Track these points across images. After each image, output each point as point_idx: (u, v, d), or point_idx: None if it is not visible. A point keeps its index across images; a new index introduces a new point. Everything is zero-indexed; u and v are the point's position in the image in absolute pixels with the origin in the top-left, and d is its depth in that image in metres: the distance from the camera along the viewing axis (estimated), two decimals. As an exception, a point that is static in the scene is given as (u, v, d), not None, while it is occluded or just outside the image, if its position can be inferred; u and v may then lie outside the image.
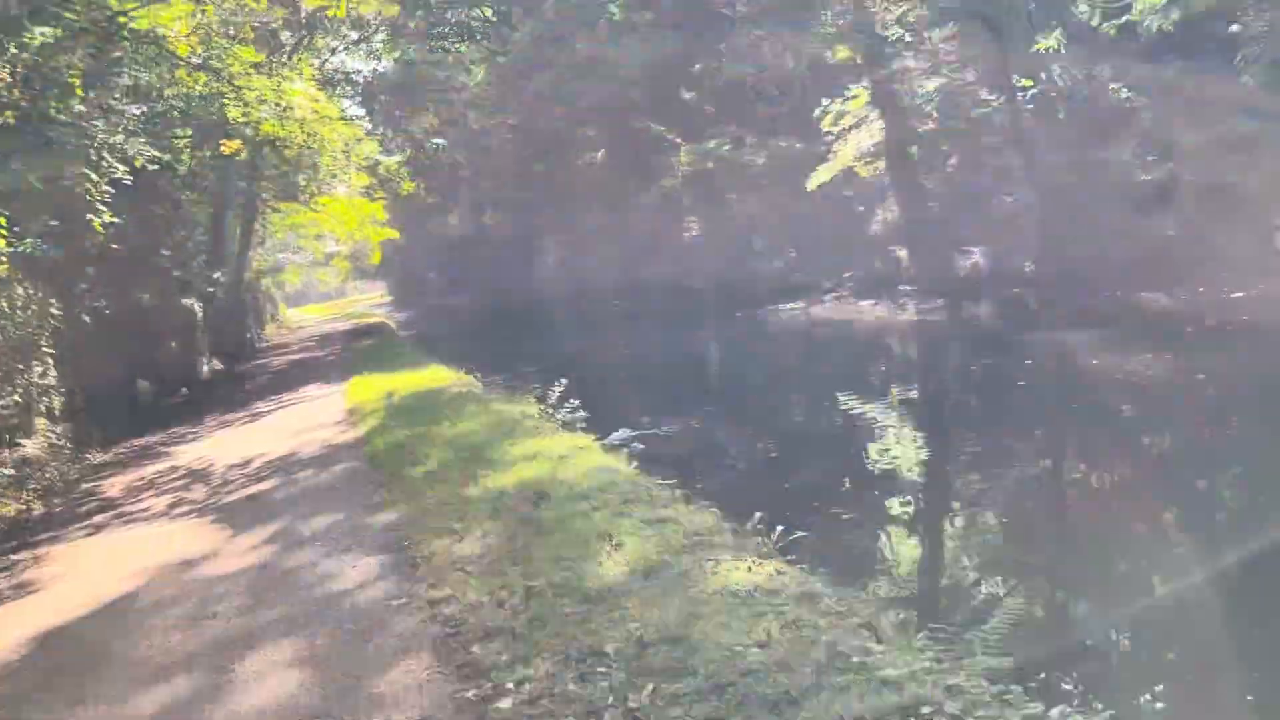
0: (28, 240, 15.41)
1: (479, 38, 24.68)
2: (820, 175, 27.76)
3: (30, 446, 13.58)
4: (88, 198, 15.45)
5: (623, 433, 11.13)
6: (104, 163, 14.67)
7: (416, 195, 63.97)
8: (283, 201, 28.60)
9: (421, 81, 30.50)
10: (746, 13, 33.51)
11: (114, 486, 11.68)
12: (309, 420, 14.44)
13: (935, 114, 26.26)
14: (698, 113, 41.64)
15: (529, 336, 33.80)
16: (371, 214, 41.50)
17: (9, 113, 13.14)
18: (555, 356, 25.63)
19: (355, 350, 27.25)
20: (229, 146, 18.91)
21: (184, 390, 24.02)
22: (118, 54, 15.34)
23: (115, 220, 16.03)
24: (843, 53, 27.78)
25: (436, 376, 17.01)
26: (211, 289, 31.38)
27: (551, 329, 36.03)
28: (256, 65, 17.87)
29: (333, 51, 34.21)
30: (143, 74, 15.71)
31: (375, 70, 33.71)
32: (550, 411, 12.26)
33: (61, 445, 14.27)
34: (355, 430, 12.59)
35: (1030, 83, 22.02)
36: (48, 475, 12.63)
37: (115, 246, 18.10)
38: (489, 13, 24.07)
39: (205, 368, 27.51)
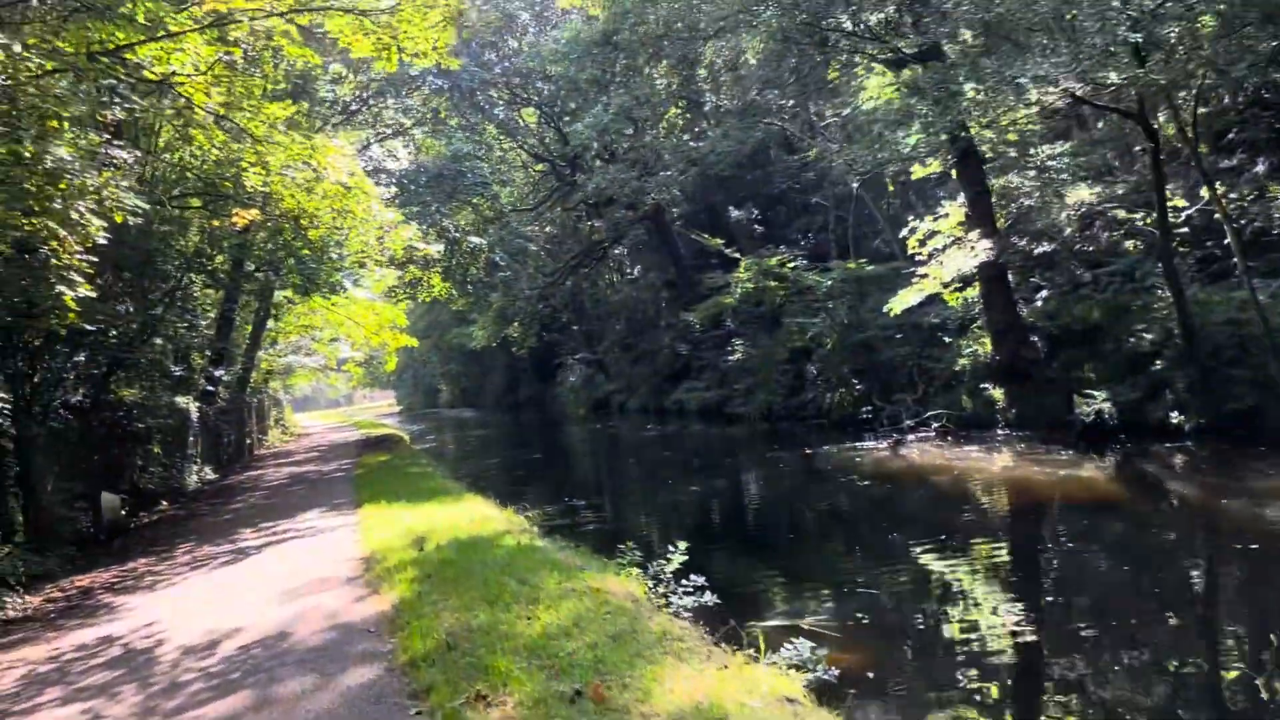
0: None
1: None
2: (904, 299, 24.27)
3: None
4: (54, 262, 11.91)
5: (802, 648, 7.05)
6: (76, 215, 11.11)
7: (437, 304, 61.11)
8: (300, 295, 24.96)
9: (463, 175, 27.33)
10: (819, 122, 30.85)
11: (1, 674, 7.59)
12: (310, 570, 10.39)
13: (1048, 235, 22.90)
14: (750, 228, 38.63)
15: (560, 461, 29.77)
16: (392, 319, 38.20)
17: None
18: (601, 488, 21.63)
19: (368, 466, 23.23)
20: (242, 218, 15.36)
21: (163, 504, 20.01)
22: (110, 81, 11.93)
23: (90, 294, 12.49)
24: (933, 165, 24.55)
25: (476, 513, 13.01)
26: (212, 388, 27.65)
27: (582, 454, 32.00)
28: (288, 122, 14.43)
29: (367, 144, 31.31)
30: (139, 107, 12.26)
31: (413, 161, 30.85)
32: (663, 591, 8.26)
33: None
34: (377, 600, 8.53)
35: (1184, 202, 18.73)
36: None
37: (90, 329, 14.39)
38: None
39: (194, 477, 23.54)
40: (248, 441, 33.03)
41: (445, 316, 66.02)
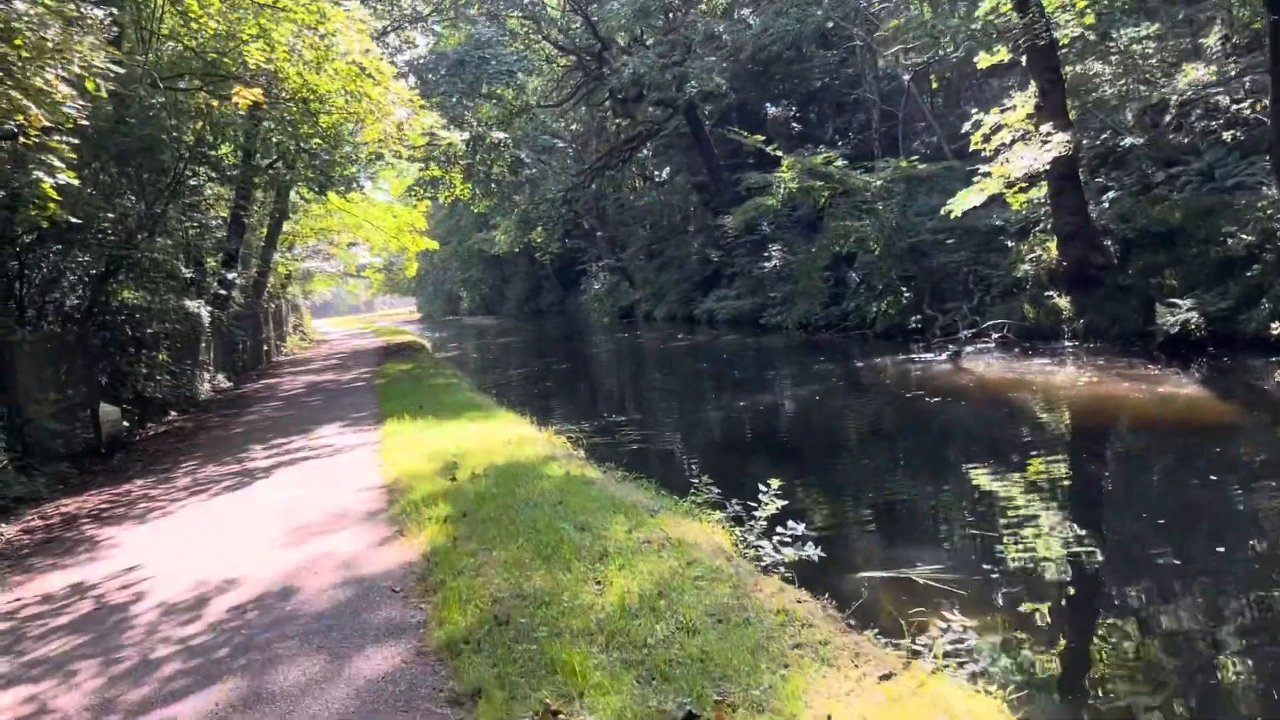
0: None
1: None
2: (964, 199, 22.16)
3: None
4: (24, 140, 10.18)
5: (977, 644, 5.37)
6: (41, 82, 9.30)
7: (458, 208, 58.98)
8: (315, 193, 23.10)
9: (487, 64, 25.06)
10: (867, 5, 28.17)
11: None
12: (324, 500, 8.84)
13: (1126, 129, 20.69)
14: (788, 126, 36.24)
15: (589, 372, 28.17)
16: (412, 222, 36.39)
17: None
18: (639, 402, 20.02)
19: (389, 376, 21.69)
20: (245, 98, 13.45)
21: (172, 415, 18.58)
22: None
23: (73, 182, 10.78)
24: (1000, 54, 22.20)
25: (511, 433, 11.40)
26: (225, 292, 26.04)
27: (612, 364, 30.38)
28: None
29: (383, 32, 28.98)
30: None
31: (432, 51, 28.53)
32: (752, 540, 6.64)
33: (-64, 513, 8.72)
34: (403, 545, 6.96)
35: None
36: None
37: (74, 220, 12.68)
38: None
39: (207, 384, 22.08)
40: (265, 348, 31.56)
41: (466, 221, 64.10)
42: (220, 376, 23.40)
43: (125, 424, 16.23)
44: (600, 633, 4.62)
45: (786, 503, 7.15)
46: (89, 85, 9.43)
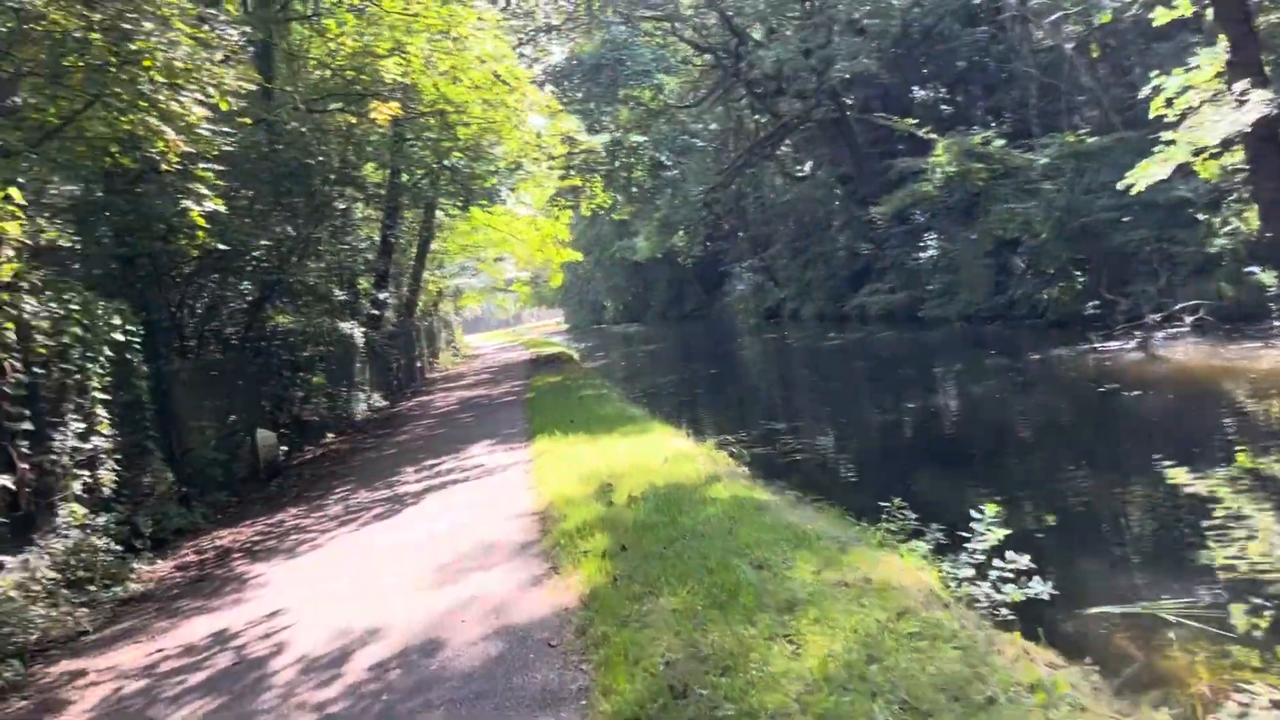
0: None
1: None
2: (1146, 171, 20.06)
3: (32, 555, 7.88)
4: (164, 167, 9.99)
5: None
6: (177, 106, 9.04)
7: (598, 218, 58.97)
8: (459, 208, 22.97)
9: (624, 66, 24.44)
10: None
11: (84, 684, 5.67)
12: (473, 529, 8.20)
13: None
14: (936, 109, 34.32)
15: (739, 376, 27.17)
16: (554, 234, 36.24)
17: None
18: (797, 408, 18.90)
19: (539, 388, 21.27)
20: (382, 113, 13.14)
21: (329, 436, 18.63)
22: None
23: (219, 209, 10.62)
24: (1182, 8, 20.05)
25: (667, 448, 10.56)
26: (378, 311, 26.31)
27: (762, 368, 29.27)
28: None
29: (518, 43, 28.80)
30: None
31: (568, 57, 28.19)
32: (961, 575, 5.56)
33: (94, 550, 8.53)
34: (558, 585, 6.19)
35: None
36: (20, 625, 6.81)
37: (223, 247, 12.59)
38: None
39: (363, 405, 22.20)
40: (418, 365, 31.92)
41: (607, 230, 64.06)
42: (376, 396, 23.55)
43: (283, 448, 16.27)
44: (803, 714, 3.67)
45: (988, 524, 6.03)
46: (222, 105, 9.10)
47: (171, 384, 12.62)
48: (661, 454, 9.89)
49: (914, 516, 6.71)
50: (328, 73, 15.51)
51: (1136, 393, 13.57)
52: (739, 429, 15.22)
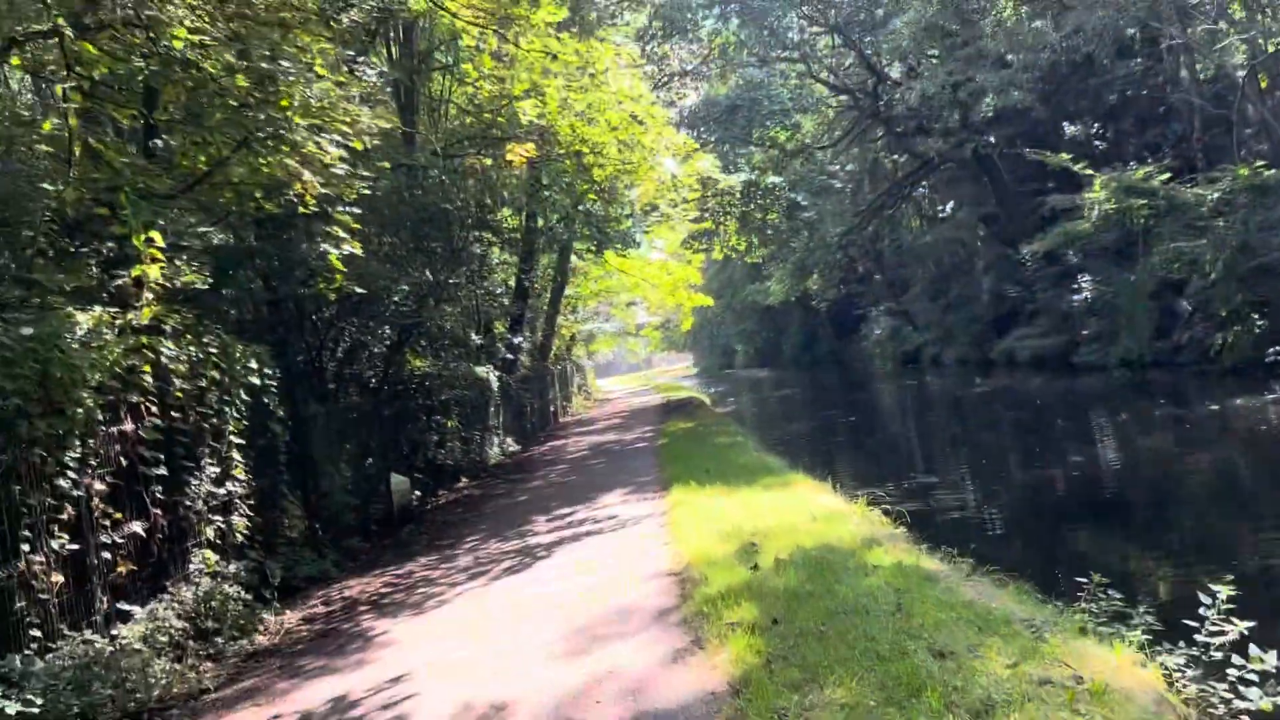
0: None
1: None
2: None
3: (161, 604, 7.68)
4: (300, 208, 9.90)
5: None
6: (314, 147, 8.93)
7: (730, 262, 58.47)
8: (593, 252, 22.81)
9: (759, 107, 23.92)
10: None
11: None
12: (607, 589, 7.62)
13: None
14: (1090, 145, 32.52)
15: (880, 424, 25.95)
16: (686, 278, 35.92)
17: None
18: (947, 459, 17.69)
19: (671, 434, 20.68)
20: (519, 155, 12.93)
21: (462, 481, 18.46)
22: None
23: (356, 251, 10.52)
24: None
25: (812, 503, 9.75)
26: (512, 356, 26.34)
27: (903, 416, 27.93)
28: (559, 27, 11.78)
29: (653, 87, 28.70)
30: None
31: (703, 98, 27.88)
32: (1191, 676, 4.60)
33: (224, 599, 8.31)
34: (703, 664, 5.51)
35: None
36: (141, 678, 6.53)
37: (359, 290, 12.50)
38: None
39: (496, 449, 22.07)
40: (551, 409, 31.86)
41: (738, 274, 63.52)
42: (509, 440, 23.42)
43: (416, 493, 16.13)
44: None
45: (1195, 604, 5.05)
46: (356, 144, 8.93)
47: (309, 428, 12.57)
48: (808, 510, 9.10)
49: (1116, 596, 5.73)
50: (467, 118, 15.49)
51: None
52: (885, 482, 14.23)
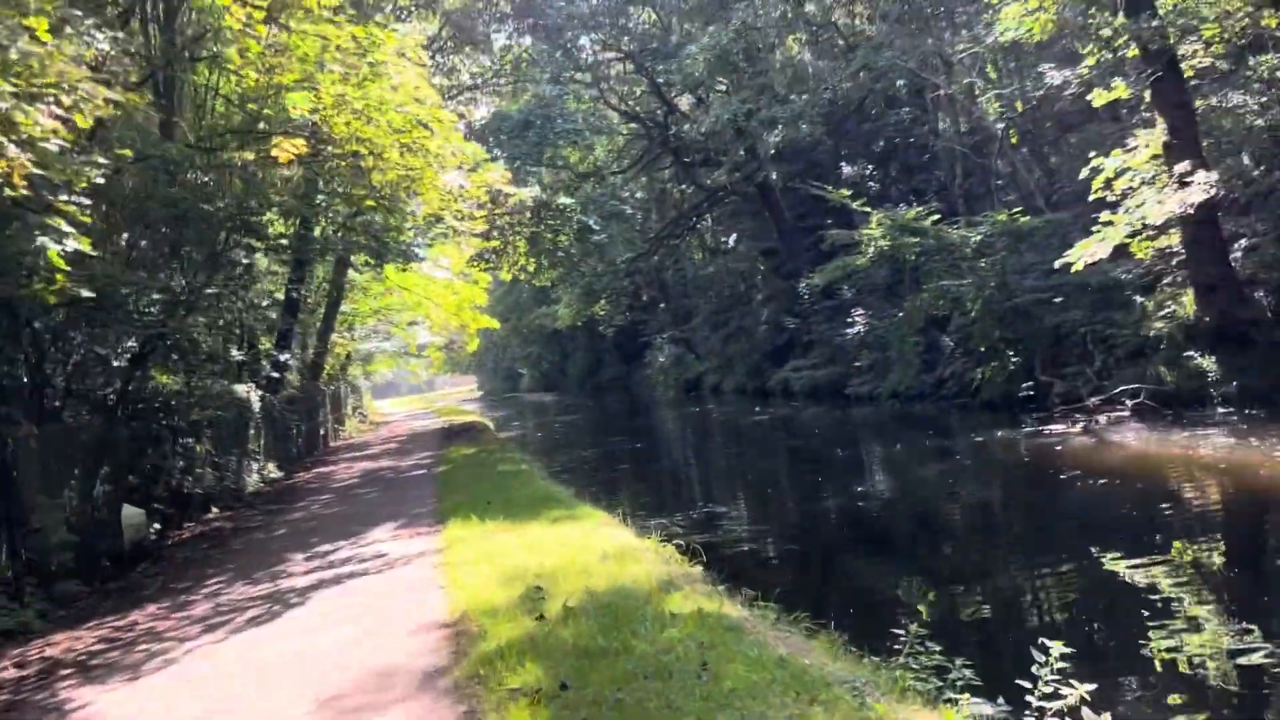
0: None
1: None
2: (1085, 249, 19.60)
3: None
4: (9, 192, 8.27)
5: None
6: (21, 115, 7.40)
7: (517, 284, 57.51)
8: (371, 263, 21.31)
9: (554, 123, 23.28)
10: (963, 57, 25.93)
11: None
12: (367, 649, 6.54)
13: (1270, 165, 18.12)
14: (865, 186, 34.05)
15: (665, 452, 25.77)
16: (472, 299, 34.78)
17: None
18: (733, 489, 17.49)
19: (452, 461, 19.50)
20: (285, 152, 11.57)
21: (213, 511, 16.54)
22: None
23: (86, 250, 8.92)
24: (1119, 91, 19.85)
25: (603, 539, 9.02)
26: (278, 374, 24.30)
27: (689, 444, 27.93)
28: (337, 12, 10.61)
29: (446, 96, 27.53)
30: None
31: (494, 111, 26.94)
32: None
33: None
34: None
35: None
36: None
37: (86, 294, 10.75)
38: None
39: (255, 476, 20.11)
40: (322, 433, 29.73)
41: (525, 297, 62.77)
42: (270, 466, 21.42)
43: (156, 526, 14.19)
44: None
45: (1008, 649, 4.67)
46: (81, 121, 7.47)
47: (14, 454, 10.62)
48: (599, 548, 8.35)
49: (936, 648, 5.29)
50: (233, 112, 13.90)
51: (1103, 481, 12.55)
52: (674, 513, 13.77)
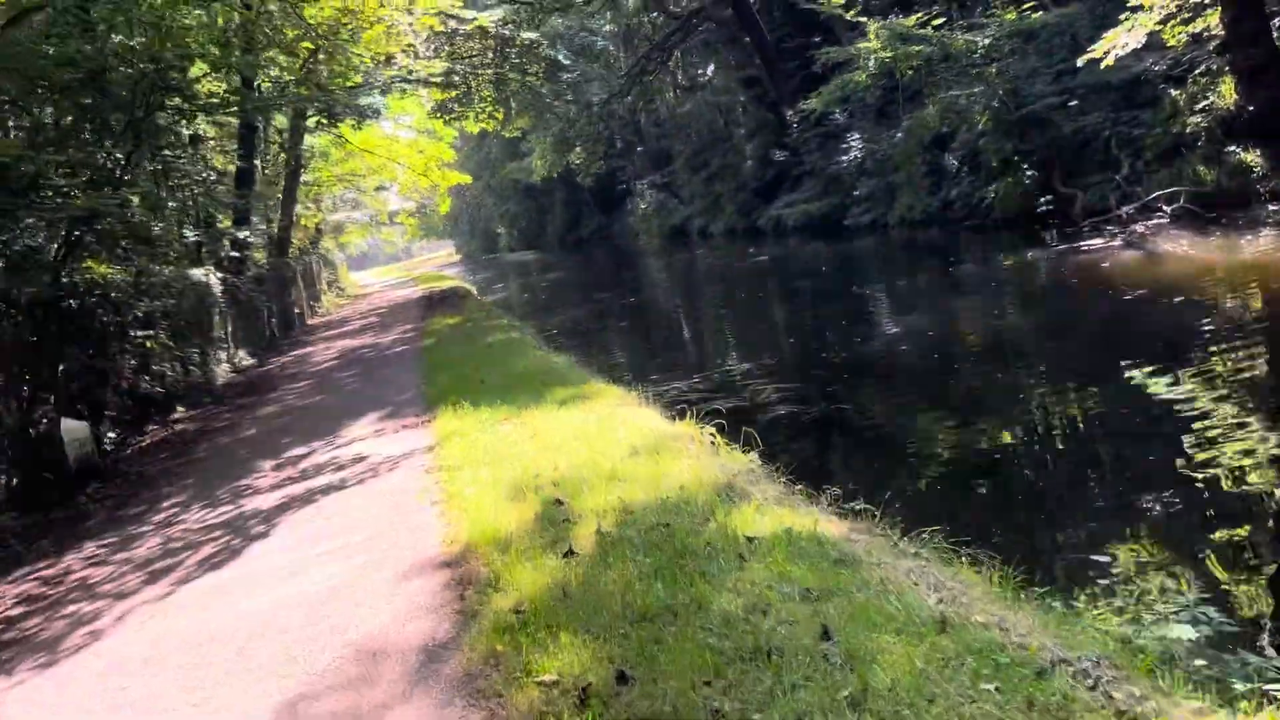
0: None
1: None
2: (1112, 42, 17.35)
3: None
4: None
5: None
6: None
7: (486, 138, 54.30)
8: (325, 123, 18.91)
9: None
10: None
11: None
12: (346, 607, 4.91)
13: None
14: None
15: (663, 305, 24.01)
16: (439, 156, 32.22)
17: None
18: (753, 339, 15.71)
19: (437, 334, 17.71)
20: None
21: (179, 410, 14.83)
22: None
23: None
24: None
25: (630, 424, 7.32)
26: (239, 253, 22.20)
27: (687, 293, 26.12)
28: None
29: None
30: None
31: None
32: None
33: None
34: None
35: None
36: None
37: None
38: None
39: (225, 365, 18.35)
40: (297, 311, 27.77)
41: (496, 151, 59.71)
42: (241, 354, 19.60)
43: (111, 435, 12.51)
44: None
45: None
46: None
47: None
48: (625, 438, 6.65)
49: (1151, 587, 3.66)
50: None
51: (1178, 298, 10.84)
52: (688, 373, 12.10)
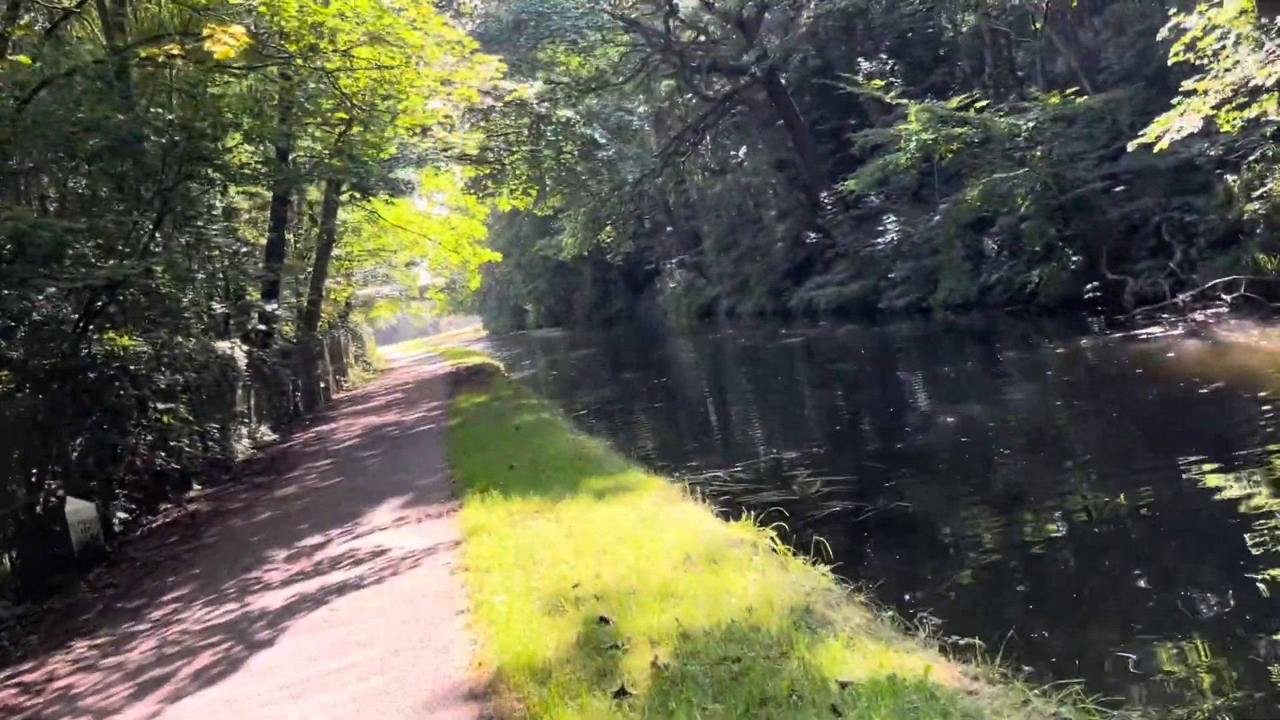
0: None
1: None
2: (1164, 127, 16.78)
3: None
4: None
5: None
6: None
7: (517, 217, 54.51)
8: (357, 197, 18.63)
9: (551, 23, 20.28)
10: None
11: None
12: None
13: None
14: (887, 81, 30.95)
15: (696, 386, 23.31)
16: (470, 233, 32.17)
17: None
18: (796, 426, 14.91)
19: (462, 412, 17.06)
20: (220, 40, 8.88)
21: (195, 488, 14.17)
22: None
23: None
24: (1199, -64, 16.82)
25: (680, 527, 6.57)
26: (267, 326, 21.79)
27: (719, 375, 25.42)
28: None
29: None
30: None
31: (481, 12, 23.88)
32: None
33: None
34: None
35: None
36: None
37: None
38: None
39: (245, 441, 17.75)
40: (322, 385, 27.26)
41: (526, 229, 60.01)
42: (264, 428, 19.03)
43: (121, 516, 11.84)
44: None
45: None
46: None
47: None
48: (675, 543, 5.89)
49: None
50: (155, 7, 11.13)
51: (1263, 392, 10.01)
52: (730, 460, 11.33)
